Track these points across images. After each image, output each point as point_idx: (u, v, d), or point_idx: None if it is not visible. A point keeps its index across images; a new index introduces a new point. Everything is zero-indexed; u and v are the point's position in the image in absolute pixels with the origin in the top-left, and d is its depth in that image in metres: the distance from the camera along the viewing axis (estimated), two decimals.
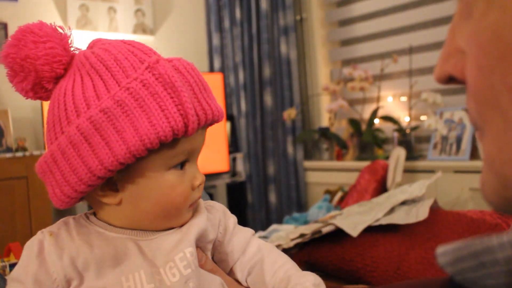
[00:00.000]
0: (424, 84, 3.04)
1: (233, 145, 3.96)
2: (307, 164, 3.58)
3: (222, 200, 3.55)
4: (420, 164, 2.89)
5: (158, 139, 0.63)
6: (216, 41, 4.02)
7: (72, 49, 0.71)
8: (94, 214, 0.74)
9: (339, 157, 3.42)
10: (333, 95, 3.50)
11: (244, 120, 3.84)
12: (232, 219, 0.81)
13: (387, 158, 2.96)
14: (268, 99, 3.70)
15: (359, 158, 3.27)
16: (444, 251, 0.42)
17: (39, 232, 0.70)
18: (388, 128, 3.23)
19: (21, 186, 2.86)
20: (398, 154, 2.75)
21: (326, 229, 1.71)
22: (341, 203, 2.90)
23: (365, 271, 1.61)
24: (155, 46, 0.81)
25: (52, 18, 3.39)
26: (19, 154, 2.90)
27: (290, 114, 3.44)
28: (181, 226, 0.73)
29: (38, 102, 3.10)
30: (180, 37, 4.06)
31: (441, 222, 1.72)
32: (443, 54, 0.45)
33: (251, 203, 3.85)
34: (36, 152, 2.97)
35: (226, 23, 3.94)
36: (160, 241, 0.71)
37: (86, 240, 0.68)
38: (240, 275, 0.79)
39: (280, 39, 3.60)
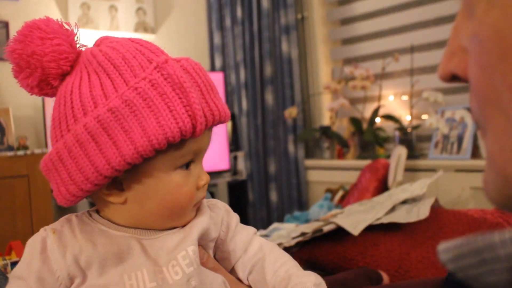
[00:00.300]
0: (426, 83, 3.04)
1: (234, 144, 3.96)
2: (308, 162, 3.58)
3: (223, 198, 3.55)
4: (421, 163, 2.89)
5: (166, 139, 0.63)
6: (217, 39, 4.02)
7: (78, 46, 0.71)
8: (97, 211, 0.73)
9: (340, 156, 3.42)
10: (334, 94, 3.50)
11: (245, 119, 3.84)
12: (235, 217, 0.81)
13: (388, 157, 2.96)
14: (269, 98, 3.70)
15: (360, 157, 3.26)
16: (445, 248, 0.42)
17: (41, 229, 0.70)
18: (389, 127, 3.23)
19: (22, 185, 2.86)
20: (399, 153, 2.74)
21: (327, 228, 1.71)
22: (342, 202, 2.90)
23: None
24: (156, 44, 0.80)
25: (53, 16, 3.37)
26: (20, 152, 2.90)
27: (291, 112, 3.44)
28: (184, 225, 0.73)
29: (39, 100, 3.12)
30: (181, 36, 4.06)
31: (442, 221, 1.72)
32: (446, 52, 0.46)
33: (252, 201, 3.85)
34: (37, 151, 2.97)
35: (227, 22, 3.94)
36: (163, 240, 0.71)
37: (89, 238, 0.68)
38: (241, 274, 0.79)
39: (281, 37, 3.59)
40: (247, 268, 0.79)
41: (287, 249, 1.69)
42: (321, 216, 2.44)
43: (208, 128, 0.70)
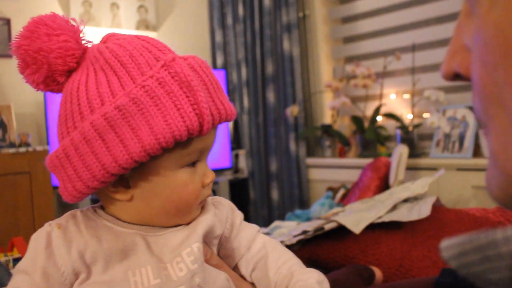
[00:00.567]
0: (427, 81, 3.04)
1: (236, 142, 3.96)
2: (310, 161, 3.58)
3: (224, 196, 3.51)
4: (422, 161, 2.89)
5: (173, 138, 0.63)
6: (218, 37, 4.02)
7: (83, 42, 0.71)
8: (102, 207, 0.74)
9: (342, 154, 3.42)
10: (335, 92, 3.50)
11: (247, 117, 3.84)
12: (239, 215, 0.82)
13: (389, 155, 2.96)
14: (271, 96, 3.70)
15: (361, 155, 3.26)
16: (448, 245, 0.42)
17: (46, 224, 0.70)
18: (390, 126, 3.23)
19: (24, 182, 2.87)
20: (401, 151, 2.74)
21: (328, 226, 1.71)
22: (344, 201, 2.90)
23: None
24: None
25: None
26: (22, 149, 2.90)
27: (292, 111, 3.44)
28: (189, 223, 0.74)
29: (41, 97, 3.12)
30: (182, 34, 4.06)
31: (443, 220, 1.72)
32: (449, 51, 0.46)
33: (253, 199, 3.85)
34: (39, 148, 2.97)
35: (229, 20, 3.94)
36: (168, 238, 0.71)
37: (94, 234, 0.68)
38: (244, 271, 0.79)
39: (283, 36, 3.59)
40: (250, 265, 0.79)
41: (288, 247, 1.69)
42: (322, 214, 2.44)
43: (214, 126, 0.70)
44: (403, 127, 3.03)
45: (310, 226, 1.76)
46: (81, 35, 0.70)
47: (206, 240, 0.75)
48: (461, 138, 2.76)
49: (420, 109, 3.12)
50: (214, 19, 4.06)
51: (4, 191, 2.80)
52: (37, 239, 0.68)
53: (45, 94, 3.07)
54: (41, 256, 0.66)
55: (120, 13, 3.75)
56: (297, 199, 3.57)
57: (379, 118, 3.27)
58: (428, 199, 1.83)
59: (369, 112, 3.32)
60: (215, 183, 3.60)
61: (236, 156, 3.89)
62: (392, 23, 3.28)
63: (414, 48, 3.06)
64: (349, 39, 3.64)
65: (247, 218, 0.83)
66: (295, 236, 1.75)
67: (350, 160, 3.30)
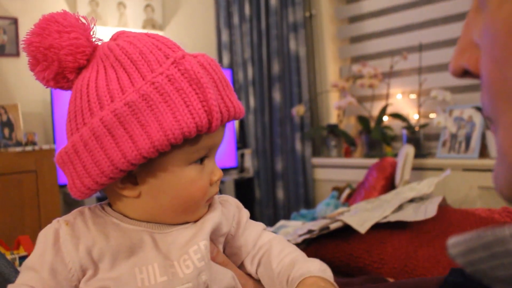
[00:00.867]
0: (434, 81, 3.03)
1: (241, 141, 3.96)
2: (315, 160, 3.58)
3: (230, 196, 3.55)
4: (428, 162, 2.88)
5: (182, 134, 0.63)
6: (225, 37, 4.02)
7: (93, 40, 0.71)
8: (109, 204, 0.74)
9: (348, 154, 3.42)
10: (342, 92, 3.50)
11: (253, 117, 3.85)
12: (246, 214, 0.82)
13: (395, 155, 2.96)
14: (277, 96, 3.70)
15: (367, 155, 3.26)
16: (455, 242, 0.42)
17: (54, 221, 0.70)
18: (397, 126, 3.22)
19: (30, 180, 2.88)
20: (407, 151, 2.74)
21: (334, 226, 1.70)
22: (349, 200, 2.89)
23: (373, 268, 1.61)
24: None
25: None
26: (29, 148, 2.92)
27: (298, 110, 3.44)
28: (196, 220, 0.74)
29: (48, 96, 3.13)
30: (189, 33, 4.07)
31: (449, 220, 1.71)
32: (458, 48, 0.46)
33: (258, 199, 3.86)
34: (45, 147, 2.98)
35: (235, 19, 3.94)
36: (175, 235, 0.71)
37: (102, 231, 0.68)
38: (250, 268, 0.79)
39: (289, 35, 3.59)
40: (255, 262, 0.79)
41: None
42: (327, 214, 2.44)
43: (223, 124, 0.70)
44: (410, 127, 3.02)
45: (315, 225, 1.76)
46: (91, 32, 0.71)
47: (213, 238, 0.75)
48: (468, 139, 2.75)
49: (427, 109, 3.11)
50: (220, 19, 4.07)
51: (10, 189, 2.81)
52: (45, 235, 0.68)
53: (52, 93, 3.08)
54: (49, 253, 0.66)
55: (126, 12, 3.76)
56: (303, 199, 3.57)
57: (385, 118, 3.26)
58: (434, 199, 1.83)
59: (375, 112, 3.31)
60: (221, 182, 3.59)
61: (242, 155, 3.89)
62: (399, 23, 3.27)
63: (421, 48, 3.05)
64: (356, 39, 3.63)
65: (253, 218, 0.83)
66: (300, 235, 1.75)
67: (356, 160, 3.30)
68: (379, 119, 3.20)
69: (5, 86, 3.21)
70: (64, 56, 0.67)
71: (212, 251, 0.73)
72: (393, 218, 1.68)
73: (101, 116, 0.64)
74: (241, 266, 0.80)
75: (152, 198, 0.69)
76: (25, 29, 0.73)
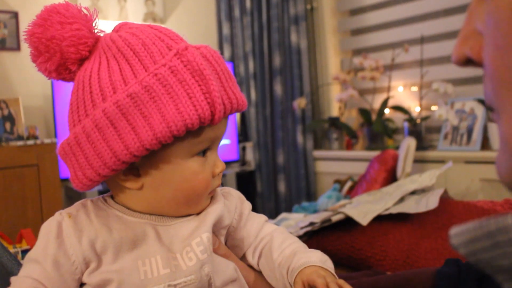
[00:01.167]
0: (435, 74, 3.02)
1: (243, 134, 3.96)
2: (317, 153, 3.58)
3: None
4: (430, 154, 2.88)
5: (185, 126, 0.63)
6: (226, 30, 4.01)
7: (96, 31, 0.71)
8: (112, 197, 0.74)
9: (349, 146, 3.42)
10: (343, 85, 3.49)
11: (254, 109, 3.84)
12: (247, 205, 0.82)
13: (397, 148, 2.95)
14: (278, 89, 3.70)
15: (369, 148, 3.26)
16: (457, 232, 0.42)
17: (57, 213, 0.70)
18: (398, 118, 3.22)
19: (32, 174, 2.89)
20: (408, 144, 2.73)
21: (335, 218, 1.71)
22: (351, 193, 2.89)
23: (375, 260, 1.61)
24: None
25: None
26: (30, 142, 2.92)
27: (300, 103, 3.43)
28: (199, 213, 0.74)
29: (49, 90, 3.13)
30: (190, 26, 4.06)
31: (451, 212, 1.71)
32: (460, 36, 0.45)
33: (260, 192, 3.86)
34: (47, 140, 2.98)
35: (236, 12, 3.93)
36: (178, 227, 0.71)
37: (104, 223, 0.68)
38: (251, 259, 0.80)
39: (291, 28, 3.58)
40: (256, 253, 0.79)
41: None
42: (329, 206, 2.44)
43: (225, 116, 0.70)
44: (411, 119, 3.02)
45: (317, 218, 1.76)
46: (93, 24, 0.70)
47: (214, 230, 0.75)
48: (469, 131, 2.74)
49: (428, 102, 3.10)
50: (221, 12, 4.06)
51: (12, 183, 2.82)
52: (48, 228, 0.68)
53: (53, 87, 3.08)
54: (52, 246, 0.67)
55: (127, 5, 3.75)
56: (304, 192, 3.57)
57: (387, 111, 3.26)
58: (436, 191, 1.83)
59: (376, 104, 3.31)
60: (222, 175, 3.60)
61: (243, 148, 3.89)
62: (400, 15, 3.26)
63: (422, 40, 3.04)
64: (357, 31, 3.62)
65: (254, 211, 0.83)
66: (302, 228, 1.75)
67: (358, 152, 3.30)
68: (381, 112, 3.19)
69: (6, 80, 3.21)
70: (66, 47, 0.67)
71: (214, 243, 0.73)
72: (395, 210, 1.68)
73: (103, 107, 0.64)
74: (243, 258, 0.81)
75: (155, 190, 0.69)
76: (25, 23, 0.73)
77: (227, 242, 0.80)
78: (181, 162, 0.68)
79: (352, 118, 3.55)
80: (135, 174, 0.69)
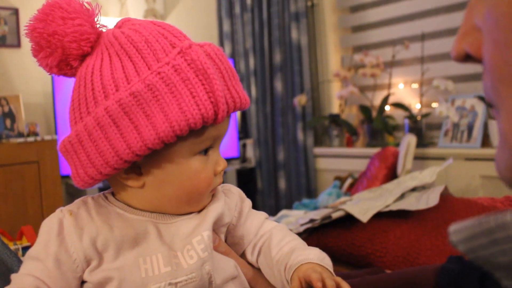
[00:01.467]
0: (436, 71, 3.02)
1: (243, 131, 3.96)
2: (317, 150, 3.58)
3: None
4: (430, 151, 2.88)
5: (187, 126, 0.63)
6: (226, 27, 4.01)
7: (98, 26, 0.70)
8: (113, 194, 0.73)
9: (349, 143, 3.42)
10: (344, 82, 3.49)
11: (254, 106, 3.84)
12: (248, 203, 0.82)
13: (397, 145, 2.95)
14: (279, 85, 3.69)
15: (369, 144, 3.26)
16: (456, 229, 0.42)
17: (58, 210, 0.70)
18: (399, 115, 3.21)
19: (32, 171, 2.89)
20: (409, 141, 2.73)
21: (336, 215, 1.71)
22: (351, 190, 2.89)
23: (375, 257, 1.61)
24: None
25: None
26: (31, 139, 2.92)
27: (300, 100, 3.43)
28: (200, 211, 0.73)
29: (49, 87, 3.13)
30: (190, 23, 4.05)
31: (451, 209, 1.71)
32: (460, 32, 0.45)
33: (260, 189, 3.86)
34: (47, 137, 2.99)
35: (237, 9, 3.92)
36: (179, 226, 0.71)
37: (105, 221, 0.68)
38: (250, 257, 0.80)
39: (291, 25, 3.58)
40: (256, 250, 0.79)
41: None
42: (329, 203, 2.44)
43: (228, 114, 0.69)
44: (411, 116, 3.01)
45: (317, 215, 1.76)
46: (95, 19, 0.69)
47: (215, 227, 0.75)
48: (470, 128, 2.74)
49: (429, 99, 3.10)
50: (222, 8, 4.05)
51: (12, 180, 2.82)
52: (49, 225, 0.68)
53: (54, 84, 3.08)
54: (53, 243, 0.66)
55: (127, 2, 3.74)
56: (305, 189, 3.57)
57: (387, 108, 3.25)
58: (436, 188, 1.83)
59: (377, 101, 3.30)
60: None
61: (244, 145, 3.89)
62: (401, 12, 3.26)
63: (423, 37, 3.04)
64: (358, 28, 3.62)
65: (255, 208, 0.83)
66: (302, 224, 1.76)
67: (358, 149, 3.30)
68: (381, 109, 3.19)
69: (7, 77, 3.20)
70: (68, 43, 0.66)
71: (214, 240, 0.73)
72: (395, 207, 1.68)
73: (105, 105, 0.63)
74: (243, 256, 0.80)
75: (156, 188, 0.69)
76: (26, 20, 0.72)
77: (227, 239, 0.80)
78: (183, 161, 0.68)
79: (352, 115, 3.55)
80: (137, 172, 0.68)
